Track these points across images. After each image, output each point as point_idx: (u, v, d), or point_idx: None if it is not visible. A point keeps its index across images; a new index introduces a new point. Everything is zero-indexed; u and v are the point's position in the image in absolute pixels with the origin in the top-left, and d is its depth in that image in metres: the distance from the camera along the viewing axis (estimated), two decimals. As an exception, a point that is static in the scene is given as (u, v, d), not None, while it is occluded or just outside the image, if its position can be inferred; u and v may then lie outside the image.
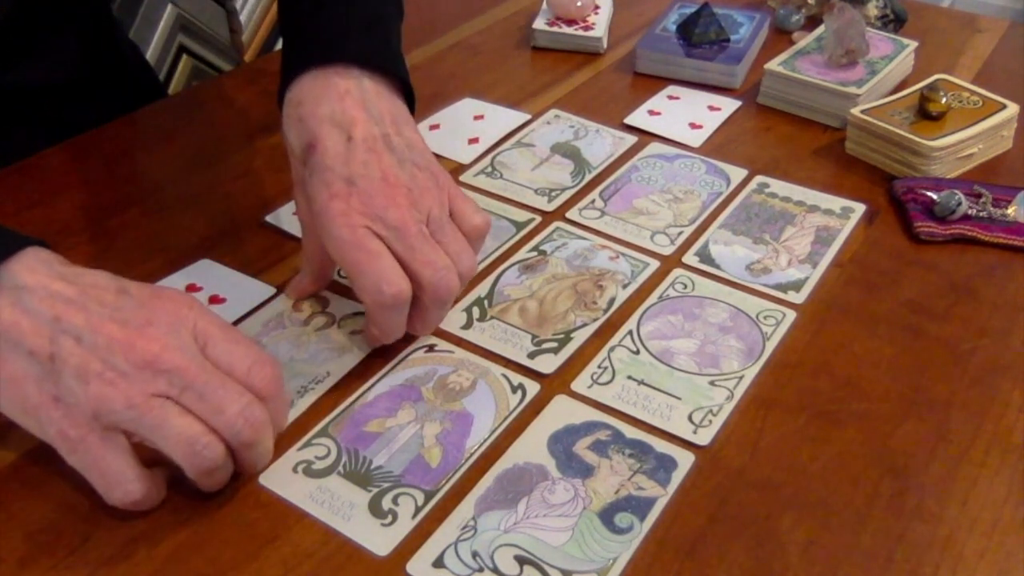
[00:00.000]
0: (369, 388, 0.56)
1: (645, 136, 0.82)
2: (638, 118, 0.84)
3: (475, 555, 0.47)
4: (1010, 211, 0.71)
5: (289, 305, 0.61)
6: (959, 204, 0.69)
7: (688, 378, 0.57)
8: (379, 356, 0.58)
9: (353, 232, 0.52)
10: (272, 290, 0.63)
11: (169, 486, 0.50)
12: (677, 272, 0.66)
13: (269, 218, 0.70)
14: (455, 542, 0.47)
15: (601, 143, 0.81)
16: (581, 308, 0.62)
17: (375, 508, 0.49)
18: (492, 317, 0.62)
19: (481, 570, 0.46)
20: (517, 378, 0.57)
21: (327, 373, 0.57)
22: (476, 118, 0.84)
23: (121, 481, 0.46)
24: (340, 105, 0.55)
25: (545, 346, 0.59)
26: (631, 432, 0.54)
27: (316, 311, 0.60)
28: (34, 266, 0.47)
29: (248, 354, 0.48)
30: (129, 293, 0.47)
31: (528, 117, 0.84)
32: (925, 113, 0.77)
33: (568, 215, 0.72)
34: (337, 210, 0.52)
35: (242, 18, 1.52)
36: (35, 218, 0.70)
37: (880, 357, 0.59)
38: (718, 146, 0.81)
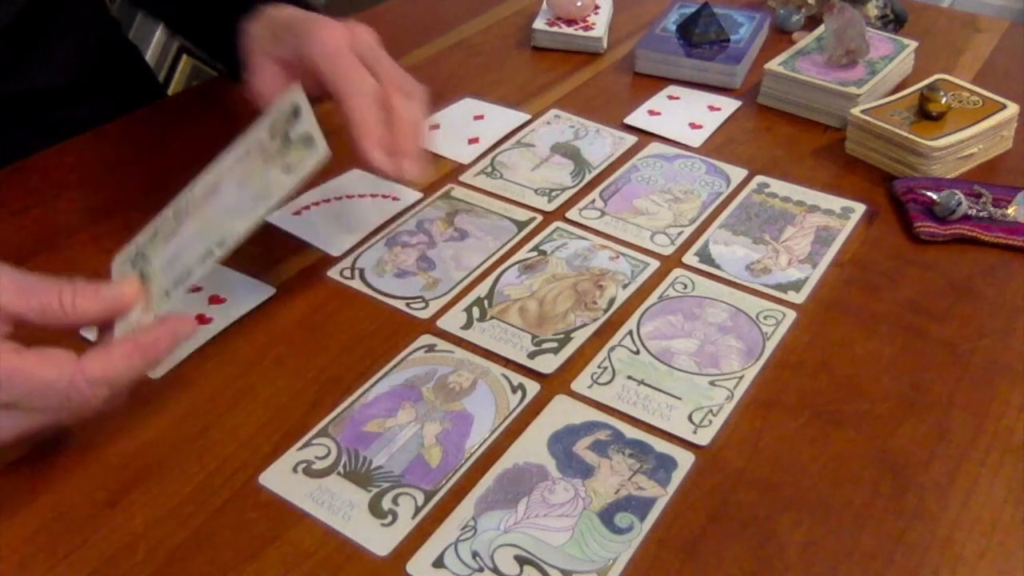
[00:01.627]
0: (369, 388, 0.56)
1: (645, 136, 0.82)
2: (638, 118, 0.84)
3: (475, 555, 0.47)
4: (1010, 211, 0.71)
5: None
6: (959, 204, 0.69)
7: (688, 378, 0.57)
8: (379, 356, 0.58)
9: (339, 49, 0.60)
10: (272, 290, 0.63)
11: (168, 485, 0.50)
12: (677, 272, 0.66)
13: (269, 218, 0.70)
14: (455, 542, 0.47)
15: (601, 143, 0.81)
16: (581, 308, 0.62)
17: (375, 508, 0.49)
18: (492, 317, 0.62)
19: (481, 570, 0.46)
20: (517, 378, 0.57)
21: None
22: (476, 118, 0.84)
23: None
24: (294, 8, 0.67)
25: (545, 346, 0.59)
26: (631, 432, 0.54)
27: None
28: None
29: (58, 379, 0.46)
30: None
31: (528, 117, 0.84)
32: (925, 113, 0.77)
33: (568, 215, 0.72)
34: (325, 28, 0.61)
35: (242, 18, 1.52)
36: (35, 218, 0.71)
37: (880, 357, 0.59)
38: (718, 146, 0.81)
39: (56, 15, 0.80)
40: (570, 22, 0.97)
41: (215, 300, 0.62)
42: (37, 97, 0.80)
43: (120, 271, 0.54)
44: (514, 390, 0.56)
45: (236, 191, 0.51)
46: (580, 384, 0.57)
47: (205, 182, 0.54)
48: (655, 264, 0.67)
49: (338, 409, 0.55)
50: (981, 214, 0.70)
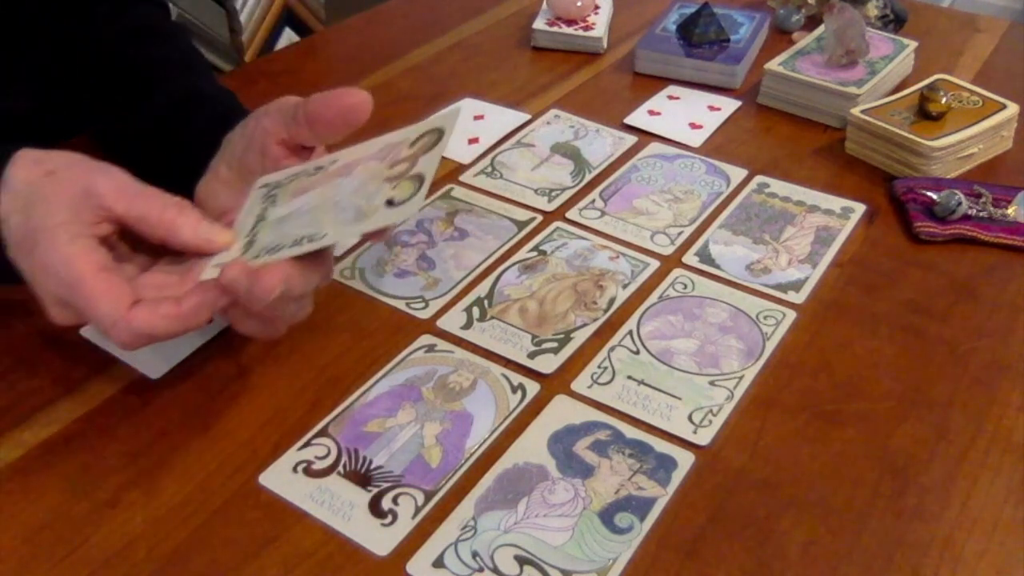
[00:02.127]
0: (369, 388, 0.56)
1: (645, 136, 0.82)
2: (638, 118, 0.84)
3: (475, 555, 0.47)
4: (1010, 211, 0.71)
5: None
6: (959, 204, 0.69)
7: (688, 378, 0.57)
8: (379, 356, 0.58)
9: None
10: (272, 290, 0.63)
11: (169, 485, 0.50)
12: (677, 272, 0.66)
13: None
14: (455, 542, 0.47)
15: (601, 143, 0.81)
16: (581, 308, 0.62)
17: (375, 508, 0.49)
18: (492, 317, 0.62)
19: (481, 570, 0.46)
20: (517, 378, 0.57)
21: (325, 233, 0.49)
22: (476, 118, 0.84)
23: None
24: None
25: (545, 346, 0.59)
26: (631, 432, 0.54)
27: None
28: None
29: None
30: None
31: (528, 117, 0.84)
32: (925, 113, 0.77)
33: (568, 215, 0.72)
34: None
35: (242, 18, 1.52)
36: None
37: (880, 357, 0.59)
38: (718, 146, 0.81)
39: (20, 37, 0.78)
40: (570, 22, 0.97)
41: (215, 300, 0.62)
42: (7, 122, 0.79)
43: (253, 199, 0.53)
44: (514, 390, 0.56)
45: (351, 193, 0.49)
46: (580, 384, 0.57)
47: (348, 156, 0.52)
48: (655, 264, 0.67)
49: (338, 409, 0.55)
50: (981, 214, 0.70)
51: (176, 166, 0.57)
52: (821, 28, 0.90)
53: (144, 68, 0.69)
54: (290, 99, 0.52)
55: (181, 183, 0.55)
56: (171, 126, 0.64)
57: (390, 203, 0.48)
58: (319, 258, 0.50)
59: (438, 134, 0.50)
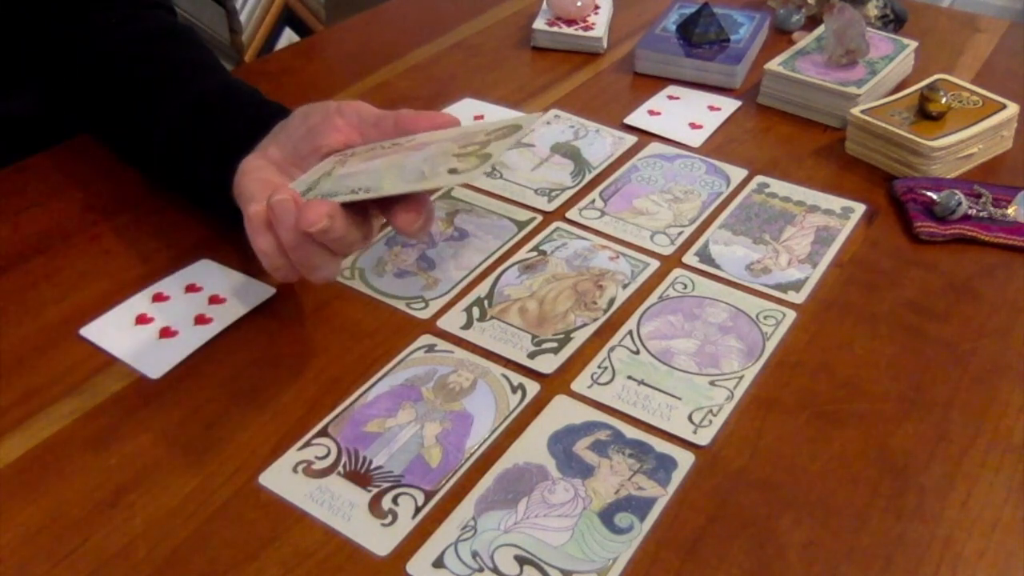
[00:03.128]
0: (369, 388, 0.56)
1: (645, 136, 0.82)
2: (638, 118, 0.84)
3: (475, 555, 0.47)
4: (1010, 211, 0.71)
5: None
6: (959, 204, 0.69)
7: (688, 378, 0.57)
8: (379, 356, 0.58)
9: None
10: (272, 290, 0.63)
11: (169, 485, 0.50)
12: (677, 272, 0.66)
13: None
14: (455, 542, 0.47)
15: (601, 143, 0.81)
16: (581, 308, 0.62)
17: (375, 508, 0.49)
18: (492, 317, 0.62)
19: (481, 570, 0.46)
20: (517, 378, 0.57)
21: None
22: (476, 118, 0.84)
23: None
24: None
25: (545, 346, 0.59)
26: (631, 432, 0.54)
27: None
28: None
29: None
30: None
31: (528, 117, 0.84)
32: (925, 113, 0.77)
33: (568, 215, 0.72)
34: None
35: (242, 18, 1.52)
36: (35, 218, 0.70)
37: (880, 357, 0.59)
38: (718, 146, 0.81)
39: (25, 40, 0.78)
40: (570, 22, 0.97)
41: (215, 300, 0.62)
42: (10, 124, 0.80)
43: (324, 162, 0.57)
44: (514, 390, 0.56)
45: (420, 161, 0.52)
46: (580, 384, 0.57)
47: (424, 137, 0.55)
48: (655, 264, 0.67)
49: (338, 409, 0.55)
50: (981, 214, 0.70)
51: (221, 146, 0.61)
52: (821, 28, 0.90)
53: (174, 65, 0.71)
54: (367, 107, 0.58)
55: (223, 160, 0.59)
56: (216, 110, 0.66)
57: (452, 171, 0.51)
58: (363, 217, 0.53)
59: (516, 128, 0.53)
